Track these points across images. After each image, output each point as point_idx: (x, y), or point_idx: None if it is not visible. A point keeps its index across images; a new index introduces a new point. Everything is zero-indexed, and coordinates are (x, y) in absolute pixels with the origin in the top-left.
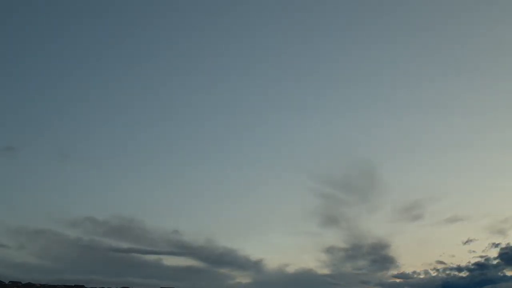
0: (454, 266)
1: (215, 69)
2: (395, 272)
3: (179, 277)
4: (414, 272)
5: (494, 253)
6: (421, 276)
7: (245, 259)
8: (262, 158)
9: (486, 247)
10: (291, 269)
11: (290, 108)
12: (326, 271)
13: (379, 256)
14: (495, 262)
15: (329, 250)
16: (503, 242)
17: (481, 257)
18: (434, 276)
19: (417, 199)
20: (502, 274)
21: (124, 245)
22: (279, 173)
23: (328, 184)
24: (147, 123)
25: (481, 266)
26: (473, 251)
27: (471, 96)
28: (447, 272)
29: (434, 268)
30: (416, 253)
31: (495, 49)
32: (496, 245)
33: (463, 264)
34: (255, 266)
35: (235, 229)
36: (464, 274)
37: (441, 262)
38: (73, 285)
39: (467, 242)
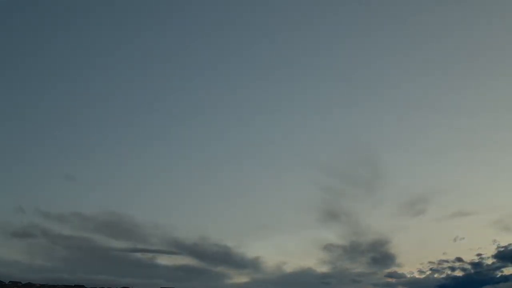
0: (454, 264)
1: (213, 66)
2: (391, 270)
3: (174, 276)
4: (409, 272)
5: (495, 251)
6: (416, 276)
7: (241, 257)
8: (257, 150)
9: (488, 245)
10: (288, 268)
11: (290, 102)
12: (324, 269)
13: (379, 253)
14: (495, 260)
15: (328, 247)
16: (504, 240)
17: (479, 255)
18: (432, 275)
19: (421, 193)
20: (502, 274)
21: (116, 243)
22: (277, 168)
23: (329, 179)
24: (138, 114)
25: (482, 265)
26: (474, 249)
27: (479, 93)
28: (445, 270)
29: (431, 268)
30: (416, 251)
31: (499, 49)
32: (498, 243)
33: (464, 262)
34: (252, 264)
35: (230, 226)
36: (463, 273)
37: (443, 261)
38: (73, 285)
39: (468, 239)
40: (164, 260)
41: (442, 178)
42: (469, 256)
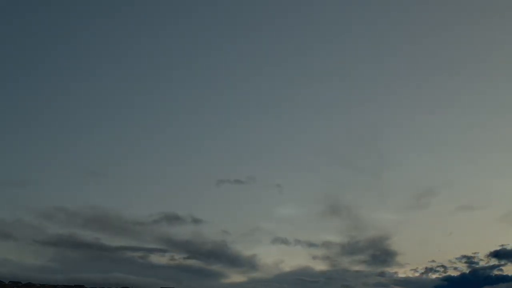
0: (456, 263)
1: (219, 65)
2: (390, 269)
3: (167, 275)
4: (405, 271)
5: (498, 248)
6: (413, 275)
7: (237, 255)
8: (253, 144)
9: (491, 242)
10: (286, 266)
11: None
12: (321, 267)
13: (379, 250)
14: (495, 259)
15: (326, 244)
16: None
17: (483, 253)
18: (431, 274)
19: (426, 188)
20: (501, 273)
21: (105, 240)
22: (276, 160)
23: (330, 172)
24: (128, 106)
25: (484, 263)
26: (477, 246)
27: (486, 91)
28: (445, 270)
29: (431, 267)
30: (419, 248)
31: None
32: (503, 240)
33: (465, 260)
34: (248, 262)
35: (225, 221)
36: (465, 271)
37: (445, 260)
38: (73, 285)
39: (471, 236)
40: (156, 258)
41: (447, 173)
42: (472, 254)
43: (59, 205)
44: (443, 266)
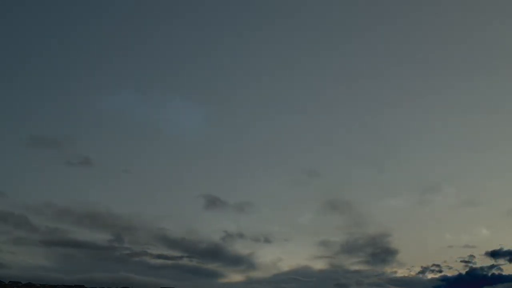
0: (456, 262)
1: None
2: (390, 269)
3: (163, 275)
4: (404, 272)
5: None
6: (409, 274)
7: (234, 253)
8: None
9: (491, 243)
10: (284, 265)
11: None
12: (320, 266)
13: (379, 249)
14: (495, 259)
15: (324, 242)
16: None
17: (475, 253)
18: (427, 274)
19: (426, 186)
20: (504, 273)
21: (97, 238)
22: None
23: (330, 167)
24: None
25: (480, 264)
26: (480, 244)
27: (492, 90)
28: (446, 269)
29: (426, 268)
30: (416, 248)
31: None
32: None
33: (464, 259)
34: (246, 261)
35: (221, 218)
36: (461, 271)
37: (447, 259)
38: (73, 285)
39: (474, 233)
40: (150, 257)
41: (447, 171)
42: (470, 253)
43: (48, 201)
44: (441, 265)
